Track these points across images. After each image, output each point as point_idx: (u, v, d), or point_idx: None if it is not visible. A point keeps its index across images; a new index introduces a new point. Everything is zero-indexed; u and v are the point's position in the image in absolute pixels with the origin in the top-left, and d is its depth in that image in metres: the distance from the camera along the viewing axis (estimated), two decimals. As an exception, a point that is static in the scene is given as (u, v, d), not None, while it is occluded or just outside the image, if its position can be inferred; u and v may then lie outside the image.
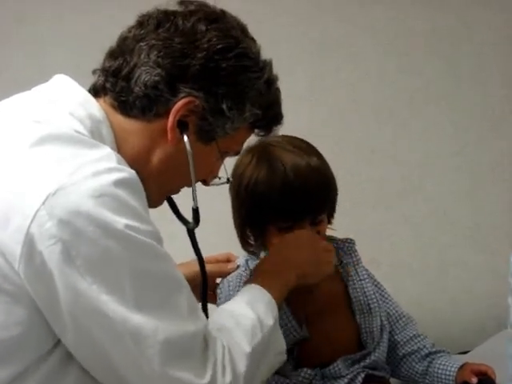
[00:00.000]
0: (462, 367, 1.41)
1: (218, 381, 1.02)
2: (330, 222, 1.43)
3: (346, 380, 1.38)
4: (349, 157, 2.19)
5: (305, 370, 1.37)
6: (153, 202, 1.12)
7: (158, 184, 1.01)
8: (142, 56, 1.06)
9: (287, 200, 1.32)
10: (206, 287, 1.33)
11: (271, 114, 1.16)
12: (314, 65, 2.19)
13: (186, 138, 1.08)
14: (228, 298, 1.29)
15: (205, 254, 1.30)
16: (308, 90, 2.17)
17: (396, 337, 1.47)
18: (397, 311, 1.49)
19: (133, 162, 1.01)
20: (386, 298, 1.49)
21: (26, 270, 0.92)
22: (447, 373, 1.41)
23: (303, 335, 1.36)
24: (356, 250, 1.46)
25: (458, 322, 2.18)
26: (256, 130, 1.18)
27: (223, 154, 1.16)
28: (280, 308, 1.23)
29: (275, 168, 1.33)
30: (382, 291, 1.50)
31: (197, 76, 1.06)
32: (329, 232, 1.44)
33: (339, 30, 2.22)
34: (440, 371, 1.41)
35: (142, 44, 1.07)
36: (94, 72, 1.13)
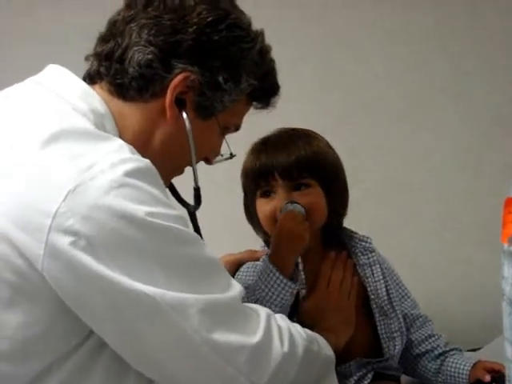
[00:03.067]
0: (474, 365, 1.40)
1: (274, 343, 1.02)
2: (332, 198, 1.38)
3: (355, 378, 1.38)
4: (356, 155, 2.18)
5: None
6: None
7: (161, 165, 0.99)
8: (134, 36, 1.05)
9: (255, 162, 1.35)
10: None
11: (268, 84, 1.15)
12: (322, 64, 2.18)
13: (184, 115, 1.07)
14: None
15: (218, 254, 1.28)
16: (315, 89, 2.17)
17: (411, 336, 1.46)
18: (414, 312, 1.47)
19: (135, 146, 0.99)
20: (405, 299, 1.48)
21: (51, 269, 0.90)
22: (460, 371, 1.40)
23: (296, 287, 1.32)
24: (374, 250, 1.44)
25: (467, 319, 2.17)
26: (254, 103, 1.17)
27: (223, 130, 1.14)
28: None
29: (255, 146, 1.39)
30: (403, 290, 1.49)
31: (190, 51, 1.05)
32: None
33: (346, 28, 2.22)
34: (453, 369, 1.41)
35: (132, 25, 1.06)
36: (86, 58, 1.12)
